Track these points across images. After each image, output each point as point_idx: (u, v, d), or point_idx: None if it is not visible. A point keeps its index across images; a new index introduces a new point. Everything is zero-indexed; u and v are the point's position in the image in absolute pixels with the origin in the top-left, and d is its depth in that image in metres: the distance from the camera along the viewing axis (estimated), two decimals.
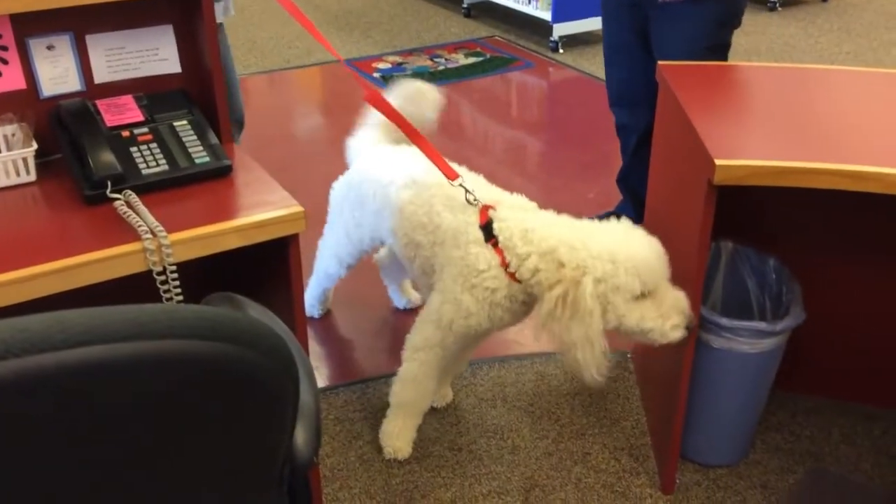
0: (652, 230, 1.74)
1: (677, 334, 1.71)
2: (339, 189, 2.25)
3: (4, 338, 0.67)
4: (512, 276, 1.77)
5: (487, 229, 1.78)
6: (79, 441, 0.74)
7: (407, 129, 1.85)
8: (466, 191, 1.82)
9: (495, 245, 1.77)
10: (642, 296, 1.68)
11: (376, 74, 4.65)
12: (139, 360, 0.70)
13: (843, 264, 2.13)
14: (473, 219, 1.81)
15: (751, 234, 2.06)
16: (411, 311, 2.61)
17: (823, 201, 1.82)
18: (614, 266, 1.65)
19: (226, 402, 0.80)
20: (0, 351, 0.66)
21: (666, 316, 1.70)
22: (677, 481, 2.02)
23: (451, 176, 1.84)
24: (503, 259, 1.76)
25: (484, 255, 1.78)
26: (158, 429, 0.77)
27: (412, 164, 1.97)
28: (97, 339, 0.68)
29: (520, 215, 1.80)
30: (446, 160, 1.87)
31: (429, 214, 1.88)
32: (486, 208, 1.80)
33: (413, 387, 2.02)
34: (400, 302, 2.65)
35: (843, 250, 2.11)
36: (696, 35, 2.41)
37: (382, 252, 2.53)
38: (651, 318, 1.69)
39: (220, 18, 2.26)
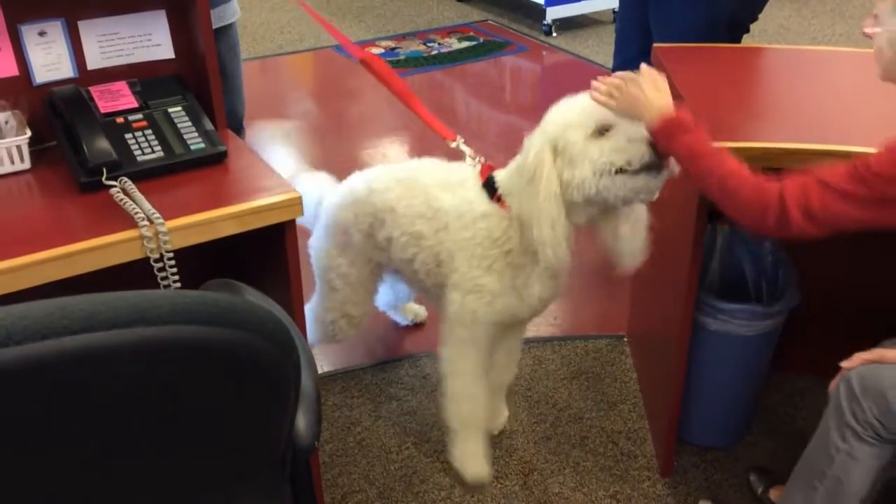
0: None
1: (646, 158, 1.53)
2: (319, 241, 2.05)
3: (6, 324, 0.66)
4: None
5: (489, 184, 1.76)
6: (81, 426, 0.74)
7: (400, 91, 1.84)
8: (466, 152, 1.82)
9: (499, 200, 1.73)
10: (599, 134, 1.58)
11: None
12: (141, 345, 0.70)
13: (837, 245, 2.13)
14: (472, 194, 1.77)
15: None
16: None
17: None
18: (565, 114, 1.65)
19: (228, 388, 0.80)
20: (1, 337, 0.66)
21: (624, 150, 1.55)
22: (675, 464, 2.03)
23: (450, 136, 1.84)
24: (507, 209, 1.72)
25: (496, 222, 1.73)
26: (161, 414, 0.77)
27: (373, 176, 1.93)
28: (99, 326, 0.68)
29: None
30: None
31: (427, 202, 1.82)
32: (486, 167, 1.79)
33: (464, 400, 1.92)
34: (405, 320, 2.54)
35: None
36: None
37: None
38: (609, 151, 1.55)
39: (232, 18, 2.23)
